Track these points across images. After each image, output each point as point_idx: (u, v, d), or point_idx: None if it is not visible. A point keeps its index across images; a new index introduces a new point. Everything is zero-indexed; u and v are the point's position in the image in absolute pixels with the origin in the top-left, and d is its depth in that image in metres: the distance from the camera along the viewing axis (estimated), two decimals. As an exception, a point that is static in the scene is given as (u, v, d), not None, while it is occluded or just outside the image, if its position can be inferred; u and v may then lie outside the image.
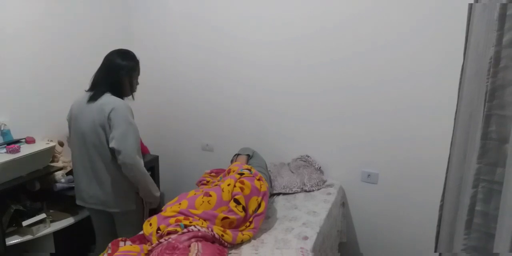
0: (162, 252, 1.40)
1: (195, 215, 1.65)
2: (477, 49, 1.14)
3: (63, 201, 2.25)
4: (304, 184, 2.30)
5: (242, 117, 2.69)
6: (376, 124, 2.27)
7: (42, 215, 2.05)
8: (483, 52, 1.10)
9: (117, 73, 1.89)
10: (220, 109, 2.75)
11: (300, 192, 2.27)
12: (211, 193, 1.74)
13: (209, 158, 2.87)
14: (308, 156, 2.52)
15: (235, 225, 1.68)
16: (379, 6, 2.11)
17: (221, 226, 1.65)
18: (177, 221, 1.60)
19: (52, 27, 2.34)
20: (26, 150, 2.00)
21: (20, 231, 2.01)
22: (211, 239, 1.56)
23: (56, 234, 2.13)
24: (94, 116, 1.83)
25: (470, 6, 1.18)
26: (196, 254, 1.40)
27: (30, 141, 2.11)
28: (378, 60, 2.17)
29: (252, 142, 2.56)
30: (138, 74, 2.01)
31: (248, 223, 1.72)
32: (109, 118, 1.81)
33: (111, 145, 1.80)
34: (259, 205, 1.78)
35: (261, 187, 1.81)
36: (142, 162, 1.88)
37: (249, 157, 2.20)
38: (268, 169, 2.32)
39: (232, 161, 2.25)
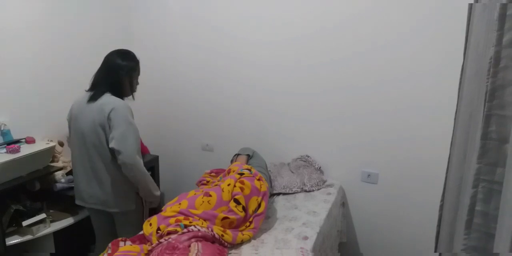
0: (162, 252, 1.40)
1: (195, 215, 1.65)
2: (477, 49, 1.14)
3: (63, 201, 2.25)
4: (304, 184, 2.30)
5: (242, 117, 2.69)
6: (376, 124, 2.27)
7: (42, 215, 2.05)
8: (483, 52, 1.10)
9: (117, 73, 1.89)
10: (220, 109, 2.75)
11: (300, 192, 2.27)
12: (211, 193, 1.74)
13: (209, 158, 2.87)
14: (308, 156, 2.52)
15: (235, 225, 1.68)
16: (379, 6, 2.11)
17: (221, 226, 1.65)
18: (177, 221, 1.60)
19: (52, 27, 2.34)
20: (26, 150, 2.00)
21: (20, 231, 2.01)
22: (211, 239, 1.56)
23: (56, 234, 2.13)
24: (94, 116, 1.83)
25: (470, 6, 1.18)
26: (196, 254, 1.40)
27: (30, 141, 2.11)
28: (378, 60, 2.17)
29: (252, 142, 2.56)
30: (138, 74, 2.01)
31: (248, 223, 1.72)
32: (109, 118, 1.81)
33: (111, 145, 1.80)
34: (259, 205, 1.78)
35: (261, 187, 1.81)
36: (142, 162, 1.88)
37: (249, 157, 2.20)
38: (268, 169, 2.32)
39: (232, 161, 2.25)
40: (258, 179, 1.84)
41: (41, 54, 2.30)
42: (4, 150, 1.94)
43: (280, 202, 2.15)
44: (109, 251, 1.51)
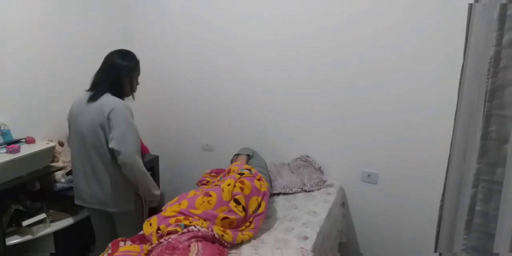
0: (162, 252, 1.40)
1: (195, 215, 1.65)
2: (477, 49, 1.14)
3: (63, 201, 2.25)
4: (304, 184, 2.30)
5: (242, 117, 2.69)
6: (376, 124, 2.27)
7: (42, 215, 2.05)
8: (483, 52, 1.10)
9: (118, 73, 1.89)
10: (220, 109, 2.75)
11: (300, 192, 2.27)
12: (211, 193, 1.74)
13: (209, 158, 2.87)
14: (308, 156, 2.52)
15: (235, 225, 1.68)
16: (379, 6, 2.11)
17: (221, 226, 1.65)
18: (177, 221, 1.60)
19: (52, 27, 2.34)
20: (26, 150, 2.00)
21: (20, 231, 2.01)
22: (211, 239, 1.56)
23: (56, 234, 2.13)
24: (94, 116, 1.83)
25: (470, 6, 1.18)
26: (196, 254, 1.40)
27: (30, 141, 2.11)
28: (378, 60, 2.17)
29: (252, 142, 2.56)
30: (138, 74, 2.01)
31: (248, 223, 1.72)
32: (108, 118, 1.80)
33: (111, 145, 1.79)
34: (259, 205, 1.78)
35: (261, 187, 1.81)
36: (142, 162, 1.88)
37: (249, 157, 2.20)
38: (268, 169, 2.32)
39: (232, 161, 2.25)
40: (258, 179, 1.84)
41: (41, 54, 2.30)
42: (4, 150, 1.94)
43: (280, 202, 2.15)
44: (109, 251, 1.51)
